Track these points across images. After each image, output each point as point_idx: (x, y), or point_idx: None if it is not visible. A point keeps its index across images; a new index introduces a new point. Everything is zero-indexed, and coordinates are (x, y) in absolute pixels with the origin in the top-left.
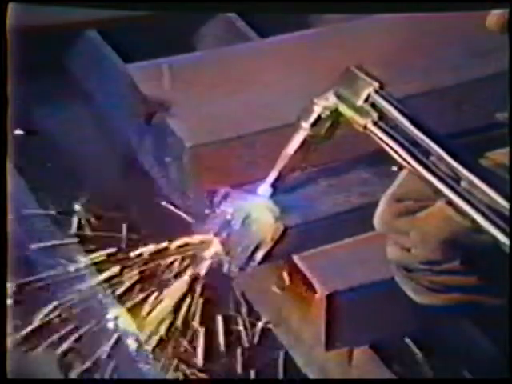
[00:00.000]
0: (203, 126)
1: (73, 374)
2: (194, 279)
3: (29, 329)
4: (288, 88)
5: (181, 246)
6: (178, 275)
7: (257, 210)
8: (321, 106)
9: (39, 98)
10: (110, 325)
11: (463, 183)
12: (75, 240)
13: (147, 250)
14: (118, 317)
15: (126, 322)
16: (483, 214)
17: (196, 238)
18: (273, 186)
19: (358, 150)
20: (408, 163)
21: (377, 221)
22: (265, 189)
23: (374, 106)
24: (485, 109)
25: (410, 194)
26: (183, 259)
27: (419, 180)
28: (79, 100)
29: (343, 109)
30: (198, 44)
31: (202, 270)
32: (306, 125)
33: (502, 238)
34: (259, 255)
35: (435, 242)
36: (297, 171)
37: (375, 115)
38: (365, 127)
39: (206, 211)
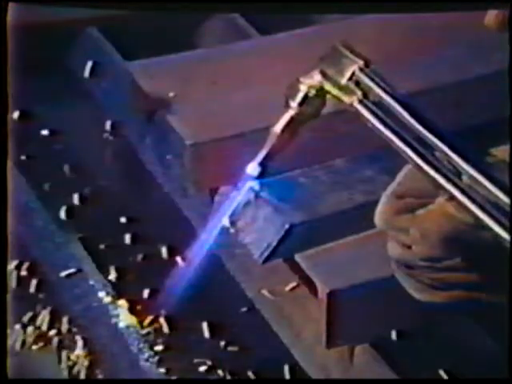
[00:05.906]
0: (204, 124)
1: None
2: None
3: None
4: None
5: None
6: None
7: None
8: (306, 85)
9: (40, 96)
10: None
11: (464, 178)
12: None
13: None
14: (118, 315)
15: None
16: (484, 209)
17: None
18: (261, 165)
19: (362, 147)
20: (395, 144)
21: (377, 218)
22: (253, 167)
23: (358, 84)
24: (485, 107)
25: (410, 191)
26: None
27: (420, 177)
28: (80, 98)
29: (328, 87)
30: (198, 41)
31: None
32: (293, 104)
33: (503, 235)
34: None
35: (436, 239)
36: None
37: (360, 93)
38: (351, 105)
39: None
